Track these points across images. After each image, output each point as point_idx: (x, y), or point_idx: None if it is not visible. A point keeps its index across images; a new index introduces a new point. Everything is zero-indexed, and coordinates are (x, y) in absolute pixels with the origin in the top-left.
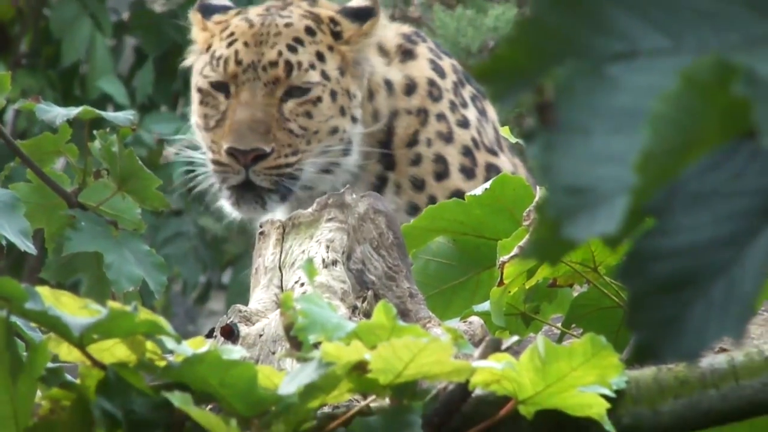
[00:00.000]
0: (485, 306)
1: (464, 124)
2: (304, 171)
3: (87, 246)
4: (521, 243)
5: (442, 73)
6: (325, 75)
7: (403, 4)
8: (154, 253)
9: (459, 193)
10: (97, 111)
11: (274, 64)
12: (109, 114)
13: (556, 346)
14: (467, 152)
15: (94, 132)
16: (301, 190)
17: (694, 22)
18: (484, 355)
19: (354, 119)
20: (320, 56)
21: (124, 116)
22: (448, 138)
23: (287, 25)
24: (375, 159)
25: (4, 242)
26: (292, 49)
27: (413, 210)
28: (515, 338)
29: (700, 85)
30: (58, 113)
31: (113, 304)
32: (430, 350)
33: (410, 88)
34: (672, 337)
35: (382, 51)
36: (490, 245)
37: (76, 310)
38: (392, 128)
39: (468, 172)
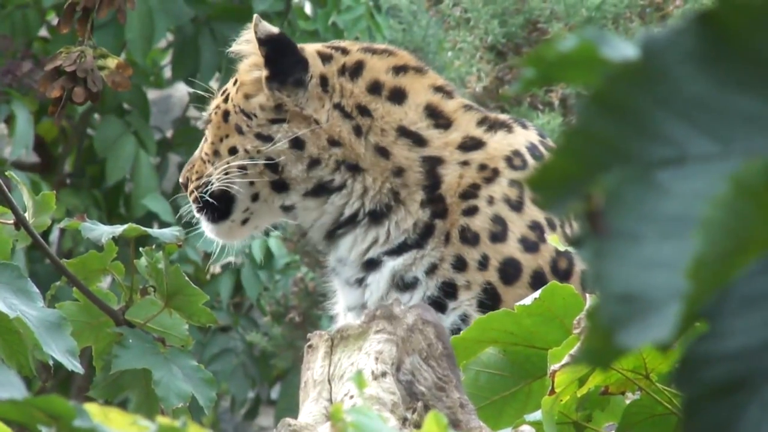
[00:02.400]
0: (537, 415)
1: None
2: (210, 189)
3: (135, 363)
4: (572, 351)
5: (538, 156)
6: (225, 98)
7: None
8: (203, 368)
9: (513, 262)
10: (143, 228)
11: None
12: (155, 231)
13: None
14: (535, 227)
15: (140, 249)
16: (257, 206)
17: (743, 126)
18: None
19: (265, 138)
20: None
21: (170, 233)
22: (516, 206)
23: None
24: (418, 204)
25: (51, 362)
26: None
27: (460, 264)
28: None
29: (751, 189)
30: (104, 231)
31: (162, 419)
32: None
33: (467, 145)
34: None
35: (428, 110)
36: (540, 355)
37: (125, 426)
38: (436, 174)
39: (530, 246)
